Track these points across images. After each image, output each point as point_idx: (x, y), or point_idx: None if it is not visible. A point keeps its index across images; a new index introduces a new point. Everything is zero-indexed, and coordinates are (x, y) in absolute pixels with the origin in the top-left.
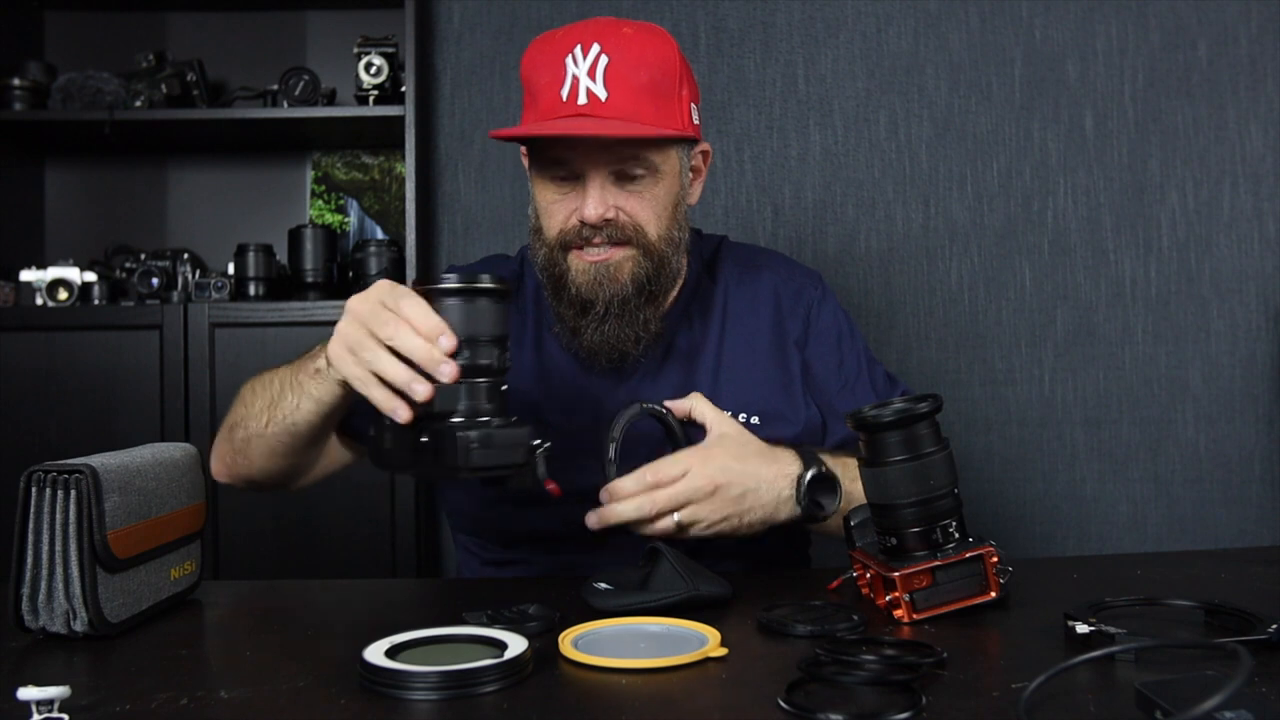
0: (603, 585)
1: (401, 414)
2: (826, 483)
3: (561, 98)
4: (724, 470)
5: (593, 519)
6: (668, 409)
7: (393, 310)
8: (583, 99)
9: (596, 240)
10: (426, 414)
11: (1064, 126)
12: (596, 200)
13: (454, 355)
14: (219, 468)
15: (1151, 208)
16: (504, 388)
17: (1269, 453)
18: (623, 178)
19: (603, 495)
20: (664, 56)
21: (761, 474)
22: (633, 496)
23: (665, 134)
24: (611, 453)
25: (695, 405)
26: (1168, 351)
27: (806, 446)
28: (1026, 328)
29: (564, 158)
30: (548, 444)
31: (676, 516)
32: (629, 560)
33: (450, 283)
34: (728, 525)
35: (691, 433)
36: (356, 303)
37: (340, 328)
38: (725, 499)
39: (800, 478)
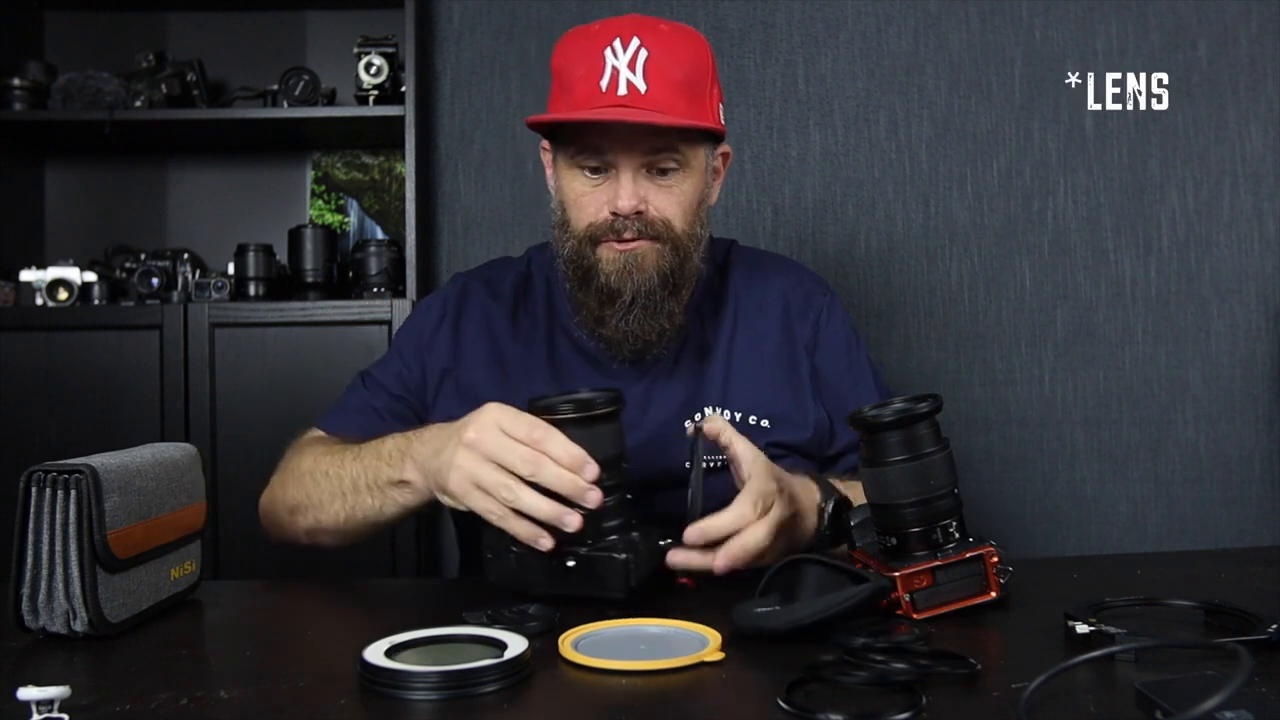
0: (762, 609)
1: (545, 543)
2: (840, 509)
3: (600, 88)
4: (794, 499)
5: (722, 561)
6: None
7: (526, 443)
8: (623, 90)
9: (627, 234)
10: (566, 537)
11: (1064, 126)
12: (629, 191)
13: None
14: (275, 536)
15: (1151, 208)
16: (629, 496)
17: (1269, 453)
18: (654, 172)
19: (692, 534)
20: (699, 55)
21: (805, 502)
22: (743, 527)
23: (705, 126)
24: (694, 494)
25: (724, 431)
26: (1168, 351)
27: (816, 474)
28: (1026, 328)
29: (598, 147)
30: (671, 541)
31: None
32: None
33: (566, 410)
34: (778, 553)
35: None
36: (475, 434)
37: (460, 462)
38: (793, 526)
39: (823, 508)
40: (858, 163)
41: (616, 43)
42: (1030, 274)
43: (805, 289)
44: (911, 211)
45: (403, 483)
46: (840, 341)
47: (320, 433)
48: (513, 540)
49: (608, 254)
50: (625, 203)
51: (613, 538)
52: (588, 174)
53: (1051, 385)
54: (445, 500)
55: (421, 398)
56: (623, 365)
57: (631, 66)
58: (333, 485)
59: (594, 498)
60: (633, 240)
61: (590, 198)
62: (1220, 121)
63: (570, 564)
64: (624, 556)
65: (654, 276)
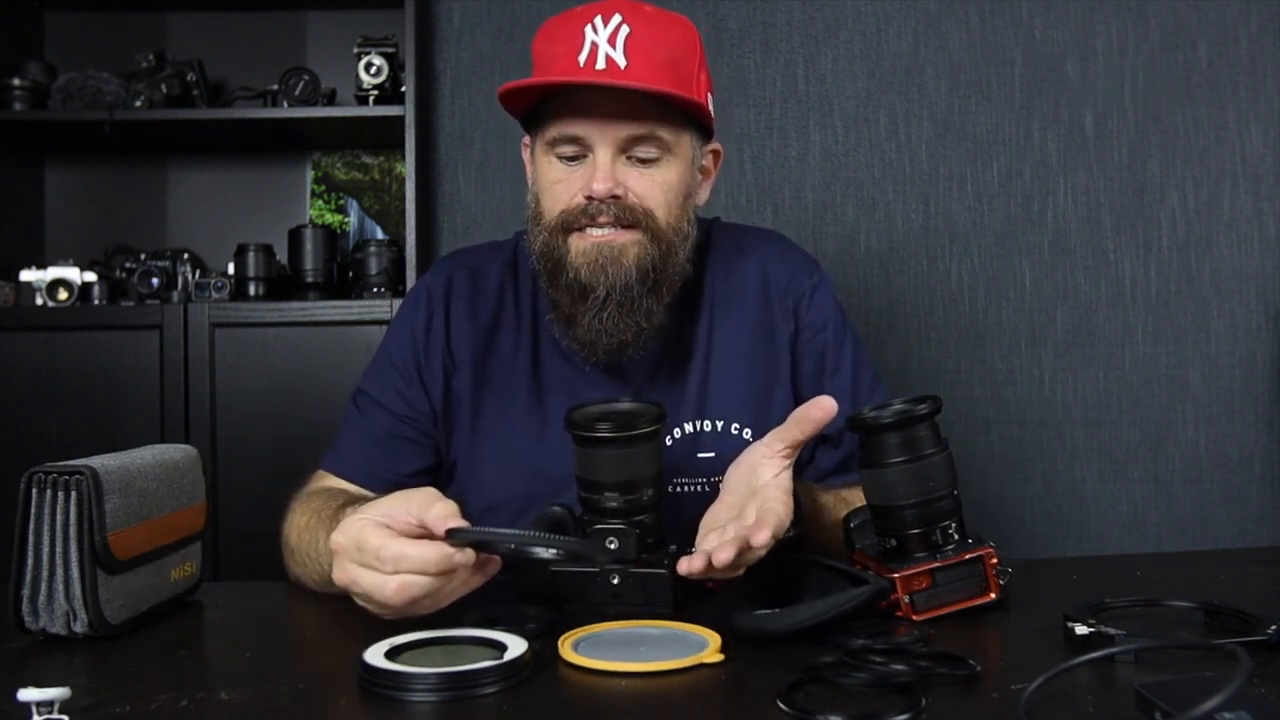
0: (762, 611)
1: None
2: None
3: (579, 63)
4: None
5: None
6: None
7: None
8: (601, 64)
9: (602, 219)
10: (610, 555)
11: (1064, 126)
12: (605, 173)
13: (616, 497)
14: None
15: (1151, 208)
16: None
17: (1269, 453)
18: (634, 157)
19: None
20: (685, 38)
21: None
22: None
23: (686, 96)
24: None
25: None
26: (1168, 351)
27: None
28: (1026, 328)
29: (574, 127)
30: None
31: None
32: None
33: (605, 429)
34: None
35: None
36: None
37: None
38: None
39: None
40: (858, 163)
41: (597, 19)
42: (1030, 274)
43: (790, 268)
44: (911, 211)
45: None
46: (818, 344)
47: (326, 477)
48: (551, 563)
49: (579, 244)
50: (600, 185)
51: (656, 554)
52: (564, 161)
53: (1051, 385)
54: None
55: (428, 413)
56: (598, 370)
57: (612, 42)
58: (317, 569)
59: (460, 560)
60: (608, 227)
61: (564, 185)
62: (1220, 121)
63: (615, 581)
64: (671, 572)
65: (632, 271)
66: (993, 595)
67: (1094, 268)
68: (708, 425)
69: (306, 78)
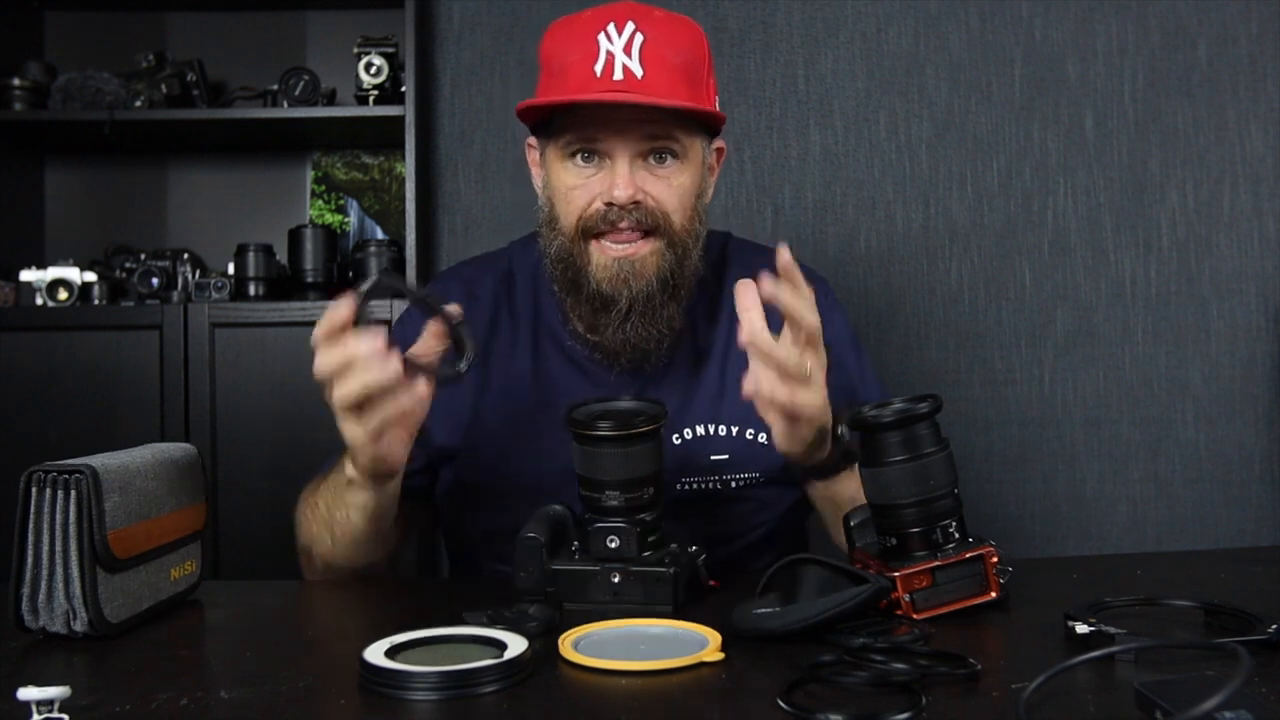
0: (762, 610)
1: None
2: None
3: (595, 73)
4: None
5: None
6: None
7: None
8: (619, 74)
9: (622, 225)
10: (610, 554)
11: (1064, 126)
12: (626, 180)
13: (616, 496)
14: (314, 580)
15: (1151, 208)
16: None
17: (1269, 453)
18: (650, 162)
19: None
20: (695, 42)
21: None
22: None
23: (709, 110)
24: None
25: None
26: (1168, 351)
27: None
28: (1026, 328)
29: (593, 135)
30: (698, 548)
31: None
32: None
33: (605, 428)
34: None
35: None
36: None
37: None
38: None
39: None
40: (858, 163)
41: (610, 27)
42: (1030, 274)
43: (811, 284)
44: (911, 211)
45: (350, 482)
46: (837, 346)
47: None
48: (550, 558)
49: (600, 257)
50: (621, 191)
51: (657, 552)
52: (580, 164)
53: (1051, 385)
54: (358, 479)
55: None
56: (620, 376)
57: (628, 51)
58: (317, 515)
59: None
60: (628, 234)
61: (583, 190)
62: (1220, 121)
63: (615, 580)
64: (672, 571)
65: (653, 281)
66: (993, 594)
67: (1094, 268)
68: (722, 430)
69: (306, 78)
